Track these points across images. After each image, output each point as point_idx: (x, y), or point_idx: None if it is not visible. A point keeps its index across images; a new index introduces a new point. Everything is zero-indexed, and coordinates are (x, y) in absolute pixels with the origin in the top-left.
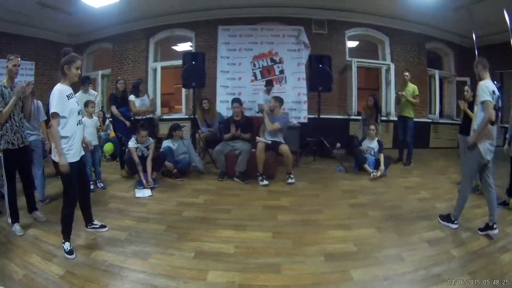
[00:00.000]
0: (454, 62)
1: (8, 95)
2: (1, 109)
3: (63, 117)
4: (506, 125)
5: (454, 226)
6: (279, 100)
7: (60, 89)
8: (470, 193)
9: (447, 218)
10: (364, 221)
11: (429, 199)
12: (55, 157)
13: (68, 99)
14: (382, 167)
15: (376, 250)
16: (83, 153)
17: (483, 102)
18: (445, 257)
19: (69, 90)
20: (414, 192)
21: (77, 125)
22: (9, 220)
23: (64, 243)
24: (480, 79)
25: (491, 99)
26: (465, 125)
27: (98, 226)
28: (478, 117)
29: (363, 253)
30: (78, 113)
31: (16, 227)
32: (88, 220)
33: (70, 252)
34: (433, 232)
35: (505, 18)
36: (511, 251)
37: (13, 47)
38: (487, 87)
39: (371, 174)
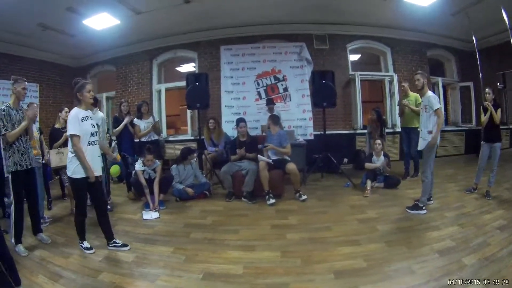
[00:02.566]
0: (456, 68)
1: (15, 117)
2: (9, 129)
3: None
4: (511, 126)
5: (423, 211)
6: (272, 118)
7: (76, 113)
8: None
9: (415, 207)
10: (373, 236)
11: (438, 208)
12: (69, 172)
13: (82, 121)
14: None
15: (386, 264)
16: (99, 173)
17: (437, 110)
18: (457, 266)
19: (84, 113)
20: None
21: (88, 145)
22: (13, 241)
23: (81, 243)
24: (423, 89)
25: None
26: (489, 132)
27: (119, 244)
28: (431, 121)
29: (373, 269)
30: (92, 134)
31: (20, 247)
32: (109, 238)
33: (88, 249)
34: (444, 242)
35: (503, 17)
36: None
37: (16, 68)
38: (437, 97)
39: (366, 191)
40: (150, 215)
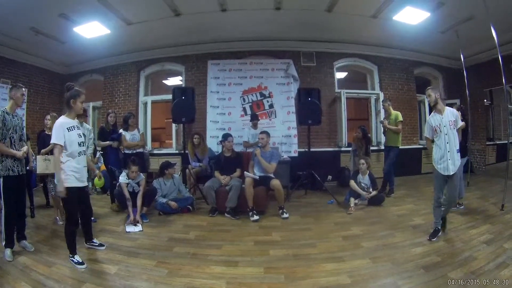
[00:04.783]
0: (443, 85)
1: (10, 122)
2: None
3: (63, 147)
4: (498, 142)
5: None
6: (268, 135)
7: (62, 122)
8: None
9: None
10: (357, 252)
11: (423, 225)
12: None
13: (69, 131)
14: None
15: (371, 280)
16: (85, 184)
17: (460, 127)
18: (443, 281)
19: (71, 122)
20: (408, 220)
21: (79, 155)
22: (3, 243)
23: (73, 257)
24: (437, 105)
25: None
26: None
27: (97, 244)
28: (457, 139)
29: (357, 285)
30: (80, 144)
31: (7, 252)
32: (88, 238)
33: (80, 263)
34: (429, 258)
35: (492, 34)
36: (510, 267)
37: (6, 71)
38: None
39: (350, 208)
40: (133, 228)
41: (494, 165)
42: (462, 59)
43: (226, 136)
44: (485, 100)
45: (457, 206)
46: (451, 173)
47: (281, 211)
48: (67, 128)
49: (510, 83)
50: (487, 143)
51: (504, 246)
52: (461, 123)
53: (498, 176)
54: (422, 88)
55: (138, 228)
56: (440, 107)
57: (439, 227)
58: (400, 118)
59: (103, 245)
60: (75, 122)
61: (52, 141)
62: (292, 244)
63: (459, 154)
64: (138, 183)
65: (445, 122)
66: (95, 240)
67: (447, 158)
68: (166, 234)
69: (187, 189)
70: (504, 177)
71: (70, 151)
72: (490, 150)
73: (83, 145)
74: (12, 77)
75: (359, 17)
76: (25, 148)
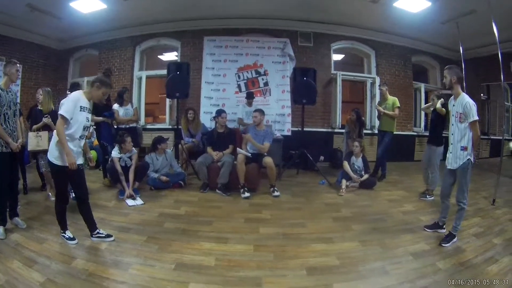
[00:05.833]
0: (440, 75)
1: (5, 98)
2: None
3: (68, 124)
4: (492, 137)
5: (455, 239)
6: (262, 113)
7: (78, 97)
8: None
9: (450, 237)
10: (347, 234)
11: (413, 212)
12: (51, 157)
13: (80, 111)
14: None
15: (360, 263)
16: (80, 162)
17: (473, 122)
18: (431, 269)
19: (85, 103)
20: (398, 205)
21: (80, 139)
22: None
23: (64, 233)
24: (453, 88)
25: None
26: (429, 134)
27: (103, 235)
28: (467, 134)
29: (346, 267)
30: (85, 128)
31: (0, 230)
32: (92, 229)
33: (71, 239)
34: (418, 245)
35: (493, 30)
36: (498, 262)
37: (0, 47)
38: (475, 104)
39: (341, 189)
40: (134, 202)
41: (487, 159)
42: (461, 52)
43: (219, 112)
44: (481, 95)
45: (427, 196)
46: (448, 167)
47: (272, 189)
48: (80, 106)
49: (508, 80)
50: (481, 137)
51: (493, 241)
52: (474, 118)
53: (490, 170)
54: (419, 76)
55: (139, 201)
56: (455, 92)
57: (439, 223)
58: (398, 104)
59: (111, 236)
60: (89, 104)
61: (61, 112)
62: (282, 223)
63: (464, 152)
64: (130, 158)
65: (454, 111)
66: (101, 231)
67: (449, 150)
68: (157, 210)
69: (179, 165)
70: (497, 172)
71: (72, 131)
72: (484, 144)
73: (86, 130)
74: (6, 53)
75: (359, 1)
76: (20, 141)
